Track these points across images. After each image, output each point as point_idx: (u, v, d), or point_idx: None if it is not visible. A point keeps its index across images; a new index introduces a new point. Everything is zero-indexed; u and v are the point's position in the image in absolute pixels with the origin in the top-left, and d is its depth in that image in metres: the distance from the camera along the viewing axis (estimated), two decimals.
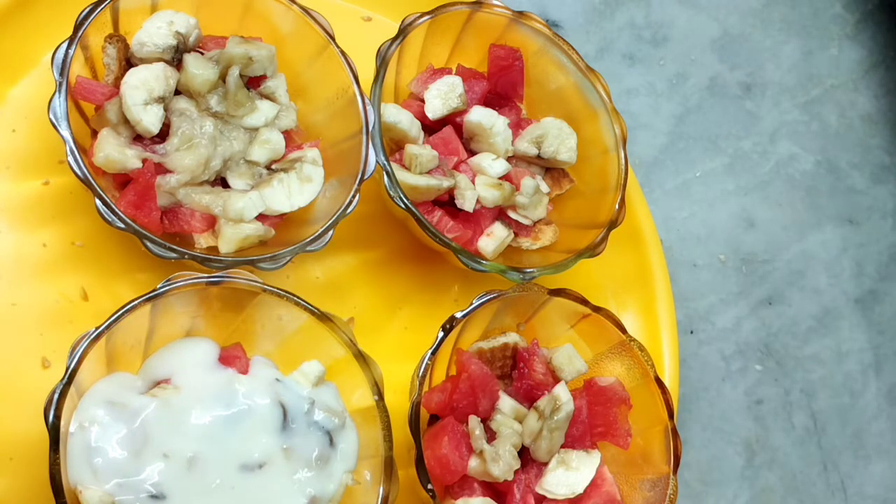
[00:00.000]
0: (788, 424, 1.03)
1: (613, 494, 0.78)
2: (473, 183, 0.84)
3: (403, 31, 0.82)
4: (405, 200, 0.77)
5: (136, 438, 0.64)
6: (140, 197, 0.70)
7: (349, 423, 0.71)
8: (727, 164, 1.09)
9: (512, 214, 0.86)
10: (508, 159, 0.87)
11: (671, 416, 0.80)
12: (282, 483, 0.67)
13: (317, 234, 0.74)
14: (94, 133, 0.73)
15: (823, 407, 1.05)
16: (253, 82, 0.79)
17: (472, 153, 0.87)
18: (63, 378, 0.61)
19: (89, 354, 0.63)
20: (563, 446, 0.78)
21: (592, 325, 0.82)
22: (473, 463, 0.74)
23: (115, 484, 0.62)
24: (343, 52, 0.79)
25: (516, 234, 0.87)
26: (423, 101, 0.85)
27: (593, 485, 0.77)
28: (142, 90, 0.72)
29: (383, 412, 0.71)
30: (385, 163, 0.77)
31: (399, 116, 0.82)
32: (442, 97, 0.85)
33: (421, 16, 0.83)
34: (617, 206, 0.86)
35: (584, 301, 0.81)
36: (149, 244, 0.68)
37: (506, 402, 0.78)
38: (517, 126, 0.89)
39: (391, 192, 0.77)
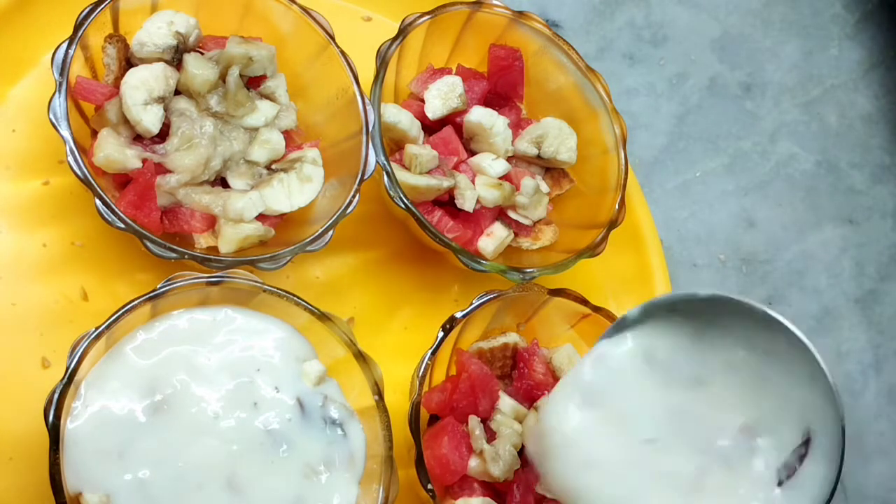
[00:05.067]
0: None
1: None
2: (473, 183, 0.84)
3: (403, 31, 0.82)
4: (405, 200, 0.77)
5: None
6: (140, 197, 0.70)
7: (355, 416, 0.72)
8: (727, 164, 1.09)
9: (512, 214, 0.86)
10: (508, 159, 0.87)
11: None
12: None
13: (317, 234, 0.74)
14: (94, 133, 0.73)
15: None
16: (253, 82, 0.79)
17: (472, 153, 0.87)
18: (63, 378, 0.61)
19: (89, 354, 0.63)
20: None
21: (592, 325, 0.82)
22: (473, 463, 0.74)
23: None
24: (343, 52, 0.79)
25: (516, 234, 0.87)
26: (423, 101, 0.85)
27: None
28: (142, 90, 0.72)
29: (383, 412, 0.71)
30: (385, 163, 0.77)
31: (399, 116, 0.82)
32: (442, 97, 0.85)
33: (421, 16, 0.83)
34: (617, 206, 0.86)
35: (584, 301, 0.81)
36: (149, 244, 0.68)
37: (506, 402, 0.78)
38: (517, 126, 0.89)
39: (391, 192, 0.77)
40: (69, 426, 0.63)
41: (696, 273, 1.04)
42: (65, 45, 0.69)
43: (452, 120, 0.86)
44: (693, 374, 0.68)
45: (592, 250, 0.83)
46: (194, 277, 0.68)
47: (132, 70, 0.73)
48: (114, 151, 0.70)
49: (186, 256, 0.69)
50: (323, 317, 0.71)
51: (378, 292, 0.84)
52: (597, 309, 0.81)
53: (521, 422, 0.77)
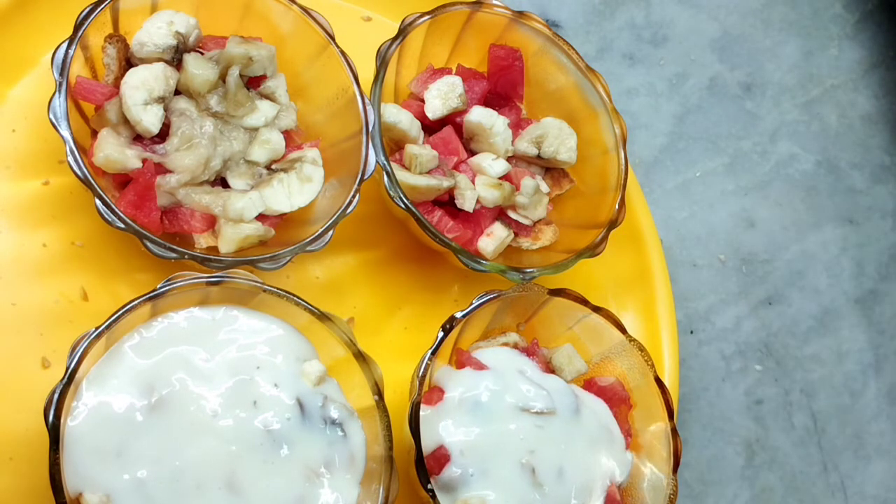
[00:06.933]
0: (788, 424, 1.03)
1: (613, 494, 0.78)
2: (473, 183, 0.84)
3: (403, 31, 0.82)
4: (405, 200, 0.77)
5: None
6: (140, 197, 0.70)
7: (355, 416, 0.72)
8: (727, 164, 1.09)
9: (512, 214, 0.86)
10: (508, 159, 0.87)
11: (671, 416, 0.80)
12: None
13: (317, 234, 0.74)
14: (94, 133, 0.73)
15: (823, 407, 1.05)
16: (253, 82, 0.79)
17: (472, 153, 0.87)
18: (63, 378, 0.61)
19: (89, 354, 0.63)
20: None
21: (592, 325, 0.82)
22: None
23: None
24: (343, 52, 0.79)
25: (516, 234, 0.87)
26: (423, 101, 0.85)
27: None
28: (142, 90, 0.72)
29: (383, 412, 0.71)
30: (385, 163, 0.77)
31: (399, 116, 0.82)
32: (442, 97, 0.85)
33: (421, 16, 0.83)
34: (617, 206, 0.86)
35: (584, 301, 0.81)
36: (149, 244, 0.68)
37: None
38: (517, 126, 0.89)
39: (391, 192, 0.77)
40: (69, 426, 0.63)
41: (696, 273, 1.04)
42: (65, 45, 0.69)
43: (452, 120, 0.86)
44: None
45: (592, 250, 0.83)
46: (194, 277, 0.68)
47: (132, 70, 0.73)
48: (114, 151, 0.70)
49: (186, 256, 0.69)
50: (323, 317, 0.71)
51: (378, 292, 0.84)
52: (597, 309, 0.81)
53: None
